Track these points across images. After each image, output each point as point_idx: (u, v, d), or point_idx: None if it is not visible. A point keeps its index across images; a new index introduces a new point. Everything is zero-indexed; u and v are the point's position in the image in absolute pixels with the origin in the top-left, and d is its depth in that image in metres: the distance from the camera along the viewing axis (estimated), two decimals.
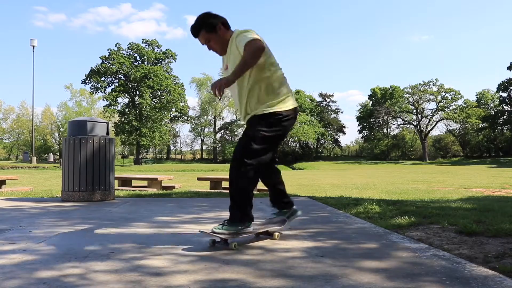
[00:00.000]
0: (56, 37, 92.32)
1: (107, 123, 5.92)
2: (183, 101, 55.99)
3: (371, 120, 66.48)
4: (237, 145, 2.76)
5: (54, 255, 2.45)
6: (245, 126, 2.85)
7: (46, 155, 57.92)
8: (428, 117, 62.69)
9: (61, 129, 62.24)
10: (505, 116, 55.83)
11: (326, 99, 70.50)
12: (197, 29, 2.76)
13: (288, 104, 2.75)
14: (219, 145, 65.01)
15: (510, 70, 50.71)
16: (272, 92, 2.73)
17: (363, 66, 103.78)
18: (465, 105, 61.44)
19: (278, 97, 2.73)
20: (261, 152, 2.67)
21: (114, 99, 50.57)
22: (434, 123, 62.82)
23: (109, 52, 50.96)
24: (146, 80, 50.28)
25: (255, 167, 2.66)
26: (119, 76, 51.97)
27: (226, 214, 4.31)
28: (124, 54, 52.00)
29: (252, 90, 2.72)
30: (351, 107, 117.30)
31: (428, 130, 62.03)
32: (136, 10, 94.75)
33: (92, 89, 52.04)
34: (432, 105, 63.37)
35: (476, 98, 66.25)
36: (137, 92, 51.52)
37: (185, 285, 1.89)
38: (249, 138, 2.68)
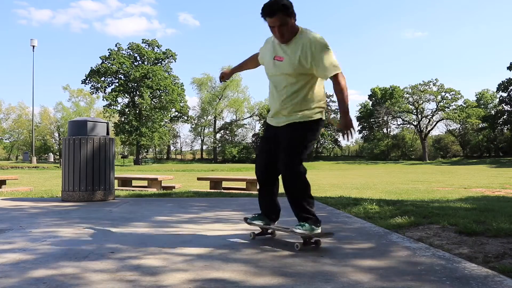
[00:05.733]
0: (52, 36, 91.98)
1: (107, 123, 5.92)
2: (182, 101, 56.00)
3: (371, 120, 66.48)
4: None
5: (54, 255, 2.45)
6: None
7: (46, 155, 57.86)
8: (428, 117, 62.70)
9: (61, 129, 62.22)
10: (505, 116, 55.84)
11: (326, 99, 70.41)
12: (275, 10, 2.64)
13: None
14: (219, 145, 64.99)
15: (510, 70, 50.70)
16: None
17: (355, 65, 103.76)
18: (465, 105, 61.45)
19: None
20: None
21: (114, 99, 50.56)
22: (434, 123, 62.85)
23: (109, 52, 50.99)
24: (145, 80, 50.30)
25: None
26: (119, 76, 51.96)
27: (225, 214, 4.32)
28: (124, 54, 52.02)
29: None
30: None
31: (428, 130, 62.03)
32: (124, 5, 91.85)
33: (92, 89, 52.08)
34: (432, 105, 63.41)
35: (476, 98, 66.26)
36: (137, 92, 51.53)
37: (185, 284, 1.89)
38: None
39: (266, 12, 2.66)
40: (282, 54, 2.75)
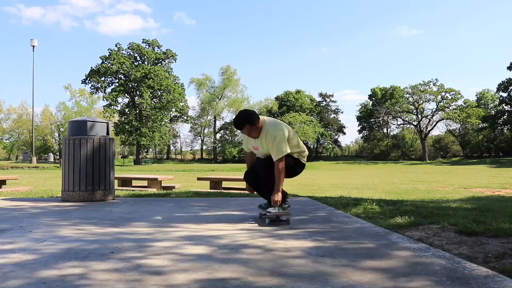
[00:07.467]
0: (54, 36, 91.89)
1: (107, 123, 5.92)
2: (183, 101, 56.05)
3: (371, 120, 66.50)
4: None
5: (54, 255, 2.45)
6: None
7: (46, 155, 57.87)
8: (428, 117, 62.70)
9: (61, 129, 62.22)
10: (505, 116, 55.83)
11: (326, 99, 70.53)
12: (242, 124, 3.65)
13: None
14: (219, 145, 65.00)
15: (510, 70, 50.72)
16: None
17: (356, 65, 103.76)
18: (465, 105, 61.43)
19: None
20: None
21: (114, 99, 50.56)
22: (434, 123, 62.86)
23: (109, 52, 50.98)
24: (146, 80, 50.30)
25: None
26: (119, 76, 51.96)
27: (225, 214, 4.32)
28: (124, 54, 52.01)
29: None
30: (346, 107, 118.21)
31: (428, 130, 62.04)
32: (123, 5, 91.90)
33: (92, 89, 52.07)
34: (432, 105, 63.42)
35: (476, 98, 66.27)
36: (137, 92, 51.53)
37: (185, 284, 1.89)
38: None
39: (236, 127, 3.71)
40: (257, 144, 3.80)
